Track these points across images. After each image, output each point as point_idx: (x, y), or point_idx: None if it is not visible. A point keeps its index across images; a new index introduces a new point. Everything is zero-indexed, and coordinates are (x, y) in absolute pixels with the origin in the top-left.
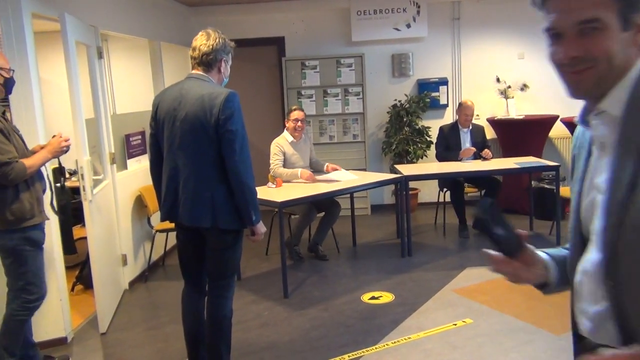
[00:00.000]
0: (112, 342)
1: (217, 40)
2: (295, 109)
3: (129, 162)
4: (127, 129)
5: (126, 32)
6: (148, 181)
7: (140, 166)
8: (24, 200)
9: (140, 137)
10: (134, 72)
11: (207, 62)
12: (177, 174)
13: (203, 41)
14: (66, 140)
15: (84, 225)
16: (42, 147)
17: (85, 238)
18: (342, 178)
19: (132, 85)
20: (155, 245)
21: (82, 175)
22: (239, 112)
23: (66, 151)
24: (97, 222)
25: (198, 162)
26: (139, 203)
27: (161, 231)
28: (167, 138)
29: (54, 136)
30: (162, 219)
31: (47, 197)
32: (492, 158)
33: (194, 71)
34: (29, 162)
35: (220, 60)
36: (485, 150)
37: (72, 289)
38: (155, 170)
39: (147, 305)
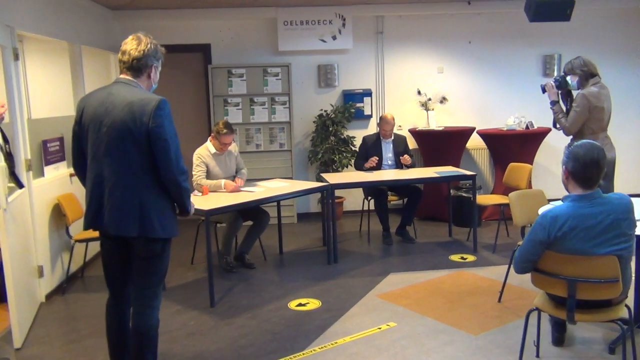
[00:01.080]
0: (28, 357)
1: (149, 45)
2: (225, 132)
3: (47, 169)
4: (44, 135)
5: (44, 33)
6: (67, 189)
7: (58, 173)
8: None
9: (58, 143)
10: (51, 75)
11: (137, 67)
12: (103, 182)
13: (134, 46)
14: (2, 106)
15: None
16: None
17: None
18: (270, 185)
19: (50, 89)
20: (74, 256)
21: None
22: (170, 119)
23: (2, 119)
24: (11, 232)
25: (125, 170)
26: (57, 212)
27: (81, 241)
28: (92, 144)
29: None
30: (85, 228)
31: None
32: (411, 163)
33: (122, 76)
34: None
35: (150, 67)
36: (405, 155)
37: None
38: (81, 174)
39: (65, 318)
